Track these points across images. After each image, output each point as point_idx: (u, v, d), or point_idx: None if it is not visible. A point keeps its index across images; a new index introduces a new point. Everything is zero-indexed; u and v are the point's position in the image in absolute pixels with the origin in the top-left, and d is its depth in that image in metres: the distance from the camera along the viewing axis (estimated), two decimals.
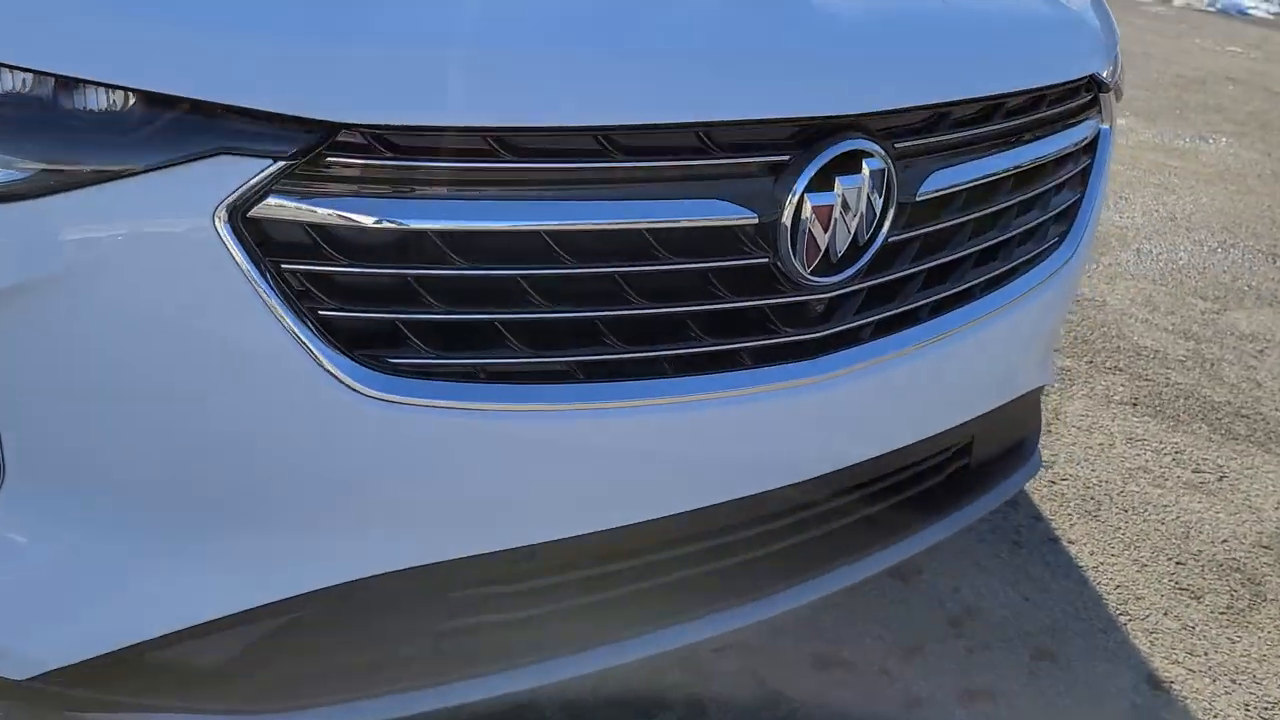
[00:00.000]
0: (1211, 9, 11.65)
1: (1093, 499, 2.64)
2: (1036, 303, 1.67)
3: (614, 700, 1.79)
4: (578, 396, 1.24)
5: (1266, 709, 2.06)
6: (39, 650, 1.15)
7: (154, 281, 1.05)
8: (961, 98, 1.40)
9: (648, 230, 1.22)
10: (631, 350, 1.25)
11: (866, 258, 1.37)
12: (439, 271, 1.14)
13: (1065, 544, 2.47)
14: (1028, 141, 1.55)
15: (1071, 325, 3.55)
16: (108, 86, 1.02)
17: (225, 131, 1.04)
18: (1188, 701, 2.04)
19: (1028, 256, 1.65)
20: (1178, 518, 2.60)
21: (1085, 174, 1.71)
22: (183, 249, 1.05)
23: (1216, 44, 9.55)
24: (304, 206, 1.08)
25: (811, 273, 1.33)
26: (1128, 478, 2.74)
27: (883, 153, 1.32)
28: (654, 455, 1.30)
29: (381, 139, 1.09)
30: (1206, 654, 2.16)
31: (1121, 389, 3.19)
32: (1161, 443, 2.92)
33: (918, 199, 1.39)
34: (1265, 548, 2.52)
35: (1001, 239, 1.56)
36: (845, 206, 1.31)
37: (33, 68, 1.01)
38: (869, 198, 1.33)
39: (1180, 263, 4.22)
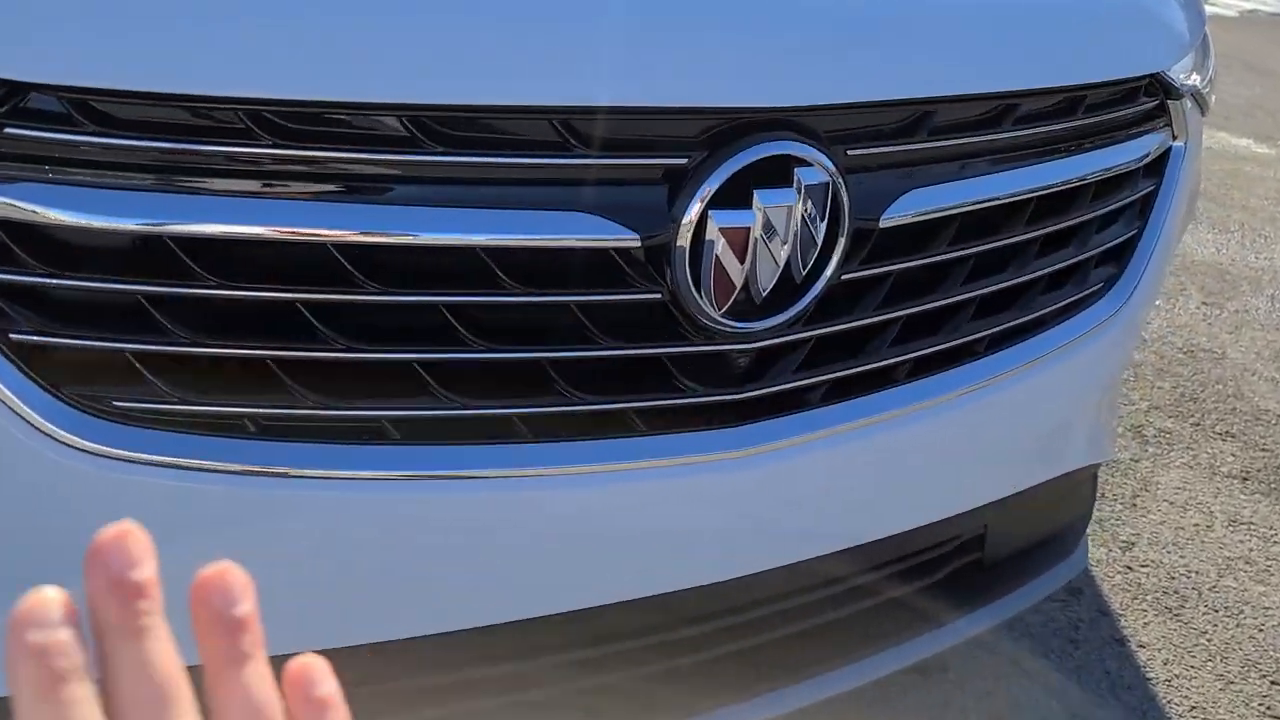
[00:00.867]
0: None
1: (1176, 593, 2.21)
2: (1073, 363, 1.31)
3: None
4: (390, 462, 0.95)
5: None
6: None
7: None
8: (949, 94, 1.06)
9: (484, 249, 0.92)
10: (466, 404, 0.96)
11: (808, 299, 1.04)
12: (186, 289, 0.86)
13: (1134, 647, 2.06)
14: (1054, 157, 1.19)
15: (1179, 378, 3.08)
16: None
17: None
18: None
19: (1059, 305, 1.28)
20: None
21: (1147, 203, 1.34)
22: None
23: None
24: None
25: (725, 314, 1.01)
26: (1224, 569, 2.29)
27: (826, 162, 0.99)
28: (500, 544, 1.00)
29: (89, 108, 0.82)
30: None
31: (1231, 459, 2.72)
32: (1272, 528, 2.46)
33: (883, 226, 1.05)
34: None
35: (1015, 282, 1.21)
36: (769, 230, 0.98)
37: None
38: (805, 220, 1.00)
39: None
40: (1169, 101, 1.30)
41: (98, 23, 0.81)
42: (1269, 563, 2.34)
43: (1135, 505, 2.48)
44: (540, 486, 1.00)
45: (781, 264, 1.01)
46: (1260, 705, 1.95)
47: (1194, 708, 1.92)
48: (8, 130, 0.81)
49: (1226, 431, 2.86)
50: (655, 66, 0.93)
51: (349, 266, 0.89)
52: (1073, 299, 1.29)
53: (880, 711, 1.77)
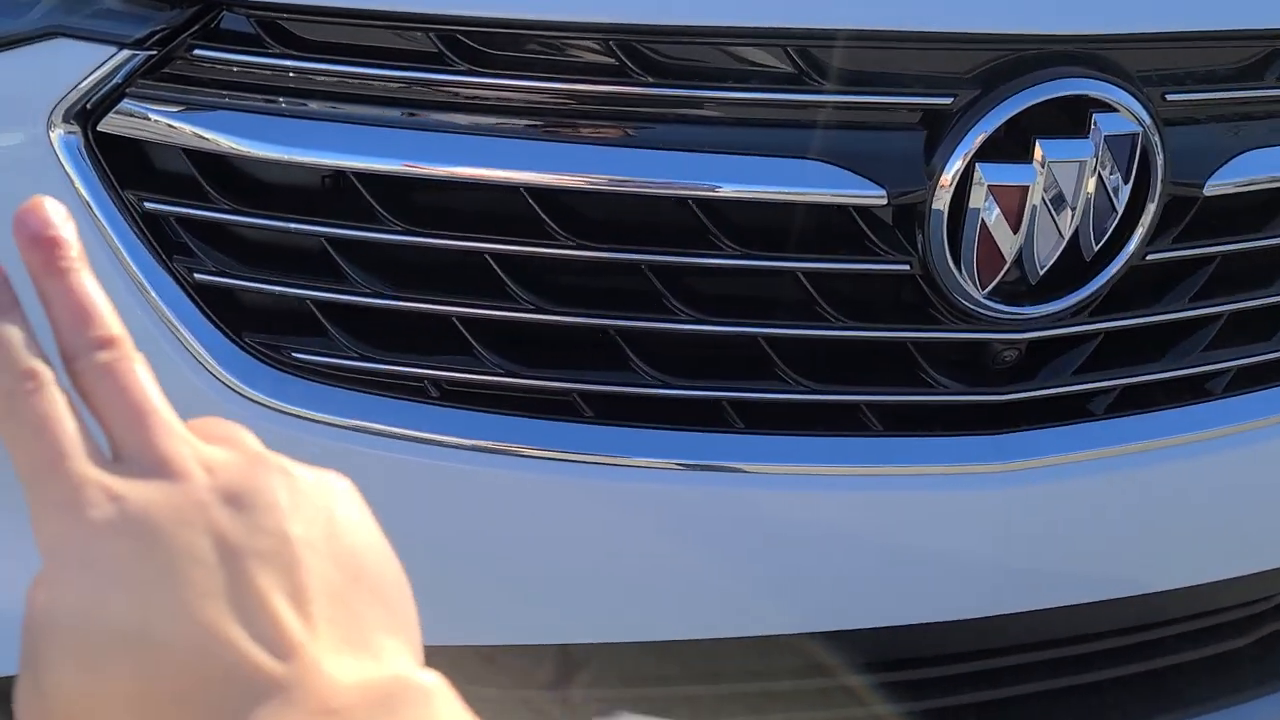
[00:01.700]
0: None
1: None
2: None
3: None
4: (586, 443, 0.83)
5: None
6: None
7: None
8: None
9: (696, 200, 0.78)
10: (668, 384, 0.82)
11: (1100, 282, 0.83)
12: (370, 235, 0.78)
13: None
14: None
15: None
16: None
17: (61, 3, 0.74)
18: None
19: None
20: None
21: None
22: (6, 169, 0.77)
23: None
24: (175, 123, 0.76)
25: (990, 295, 0.82)
26: None
27: (1137, 108, 0.78)
28: (699, 546, 0.86)
29: (281, 29, 0.74)
30: None
31: None
32: None
33: (1207, 194, 0.83)
34: None
35: None
36: (1054, 192, 0.79)
37: None
38: (1102, 181, 0.79)
39: None
40: None
41: None
42: None
43: None
44: (746, 484, 0.85)
45: (1068, 236, 0.81)
46: None
47: None
48: (198, 52, 0.75)
49: None
50: None
51: (543, 215, 0.77)
52: None
53: None
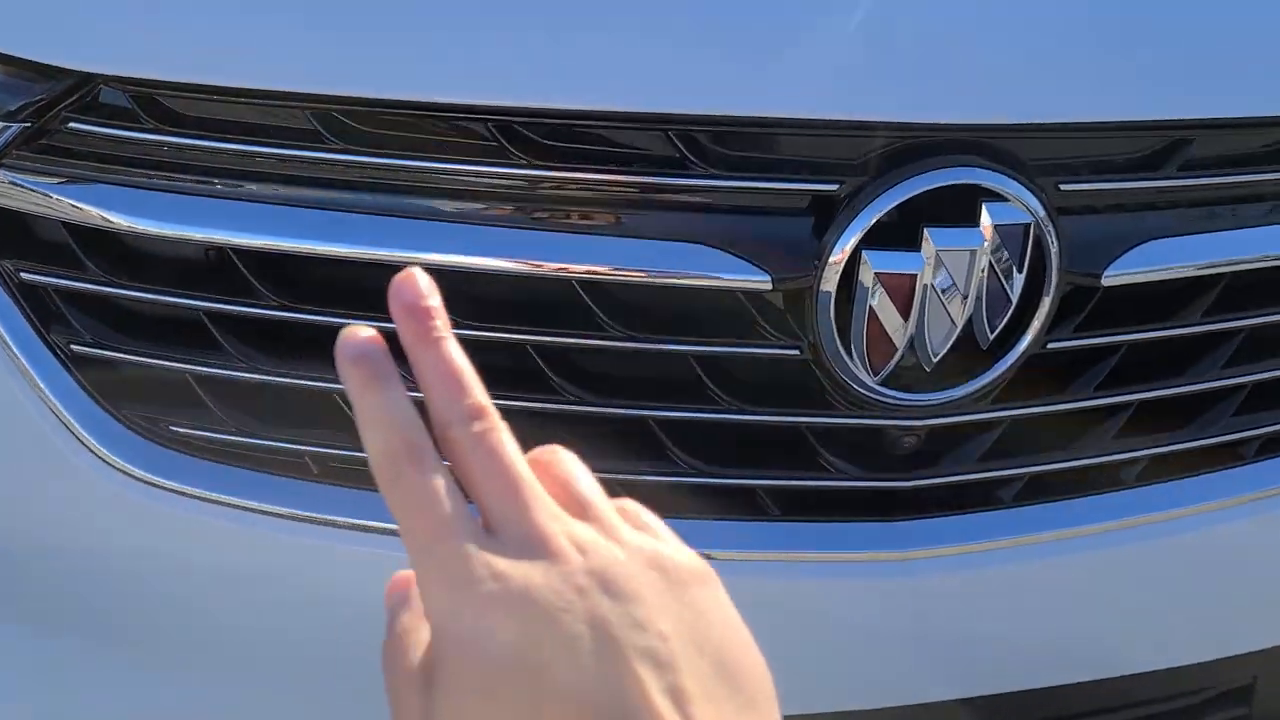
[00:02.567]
0: None
1: None
2: None
3: None
4: None
5: None
6: None
7: None
8: (1217, 117, 0.80)
9: (580, 282, 0.77)
10: None
11: (998, 371, 0.82)
12: (244, 309, 0.77)
13: None
14: None
15: None
16: None
17: None
18: None
19: None
20: None
21: None
22: None
23: None
24: (51, 195, 0.76)
25: (884, 382, 0.80)
26: None
27: (1028, 198, 0.77)
28: None
29: (157, 104, 0.74)
30: None
31: None
32: None
33: (1106, 284, 0.81)
34: None
35: None
36: (944, 280, 0.77)
37: None
38: (994, 270, 0.78)
39: None
40: None
41: (167, 14, 0.73)
42: None
43: None
44: None
45: (961, 324, 0.79)
46: None
47: None
48: (72, 125, 0.75)
49: None
50: (802, 68, 0.74)
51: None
52: None
53: None
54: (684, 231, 0.76)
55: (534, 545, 0.34)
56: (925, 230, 0.76)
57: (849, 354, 0.79)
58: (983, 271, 0.78)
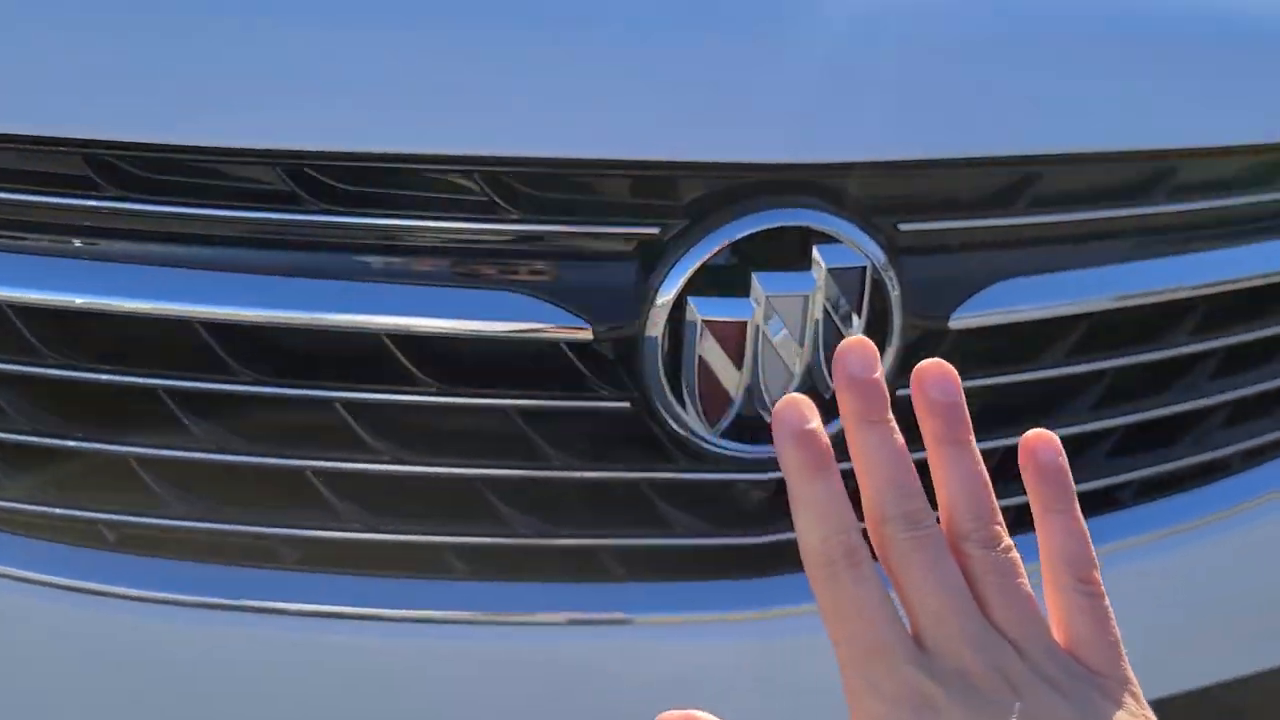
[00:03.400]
0: None
1: None
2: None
3: None
4: (284, 590, 0.76)
5: None
6: None
7: None
8: (1067, 151, 0.77)
9: (390, 335, 0.72)
10: (376, 528, 0.76)
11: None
12: (21, 368, 0.72)
13: None
14: (1242, 240, 0.86)
15: None
16: None
17: None
18: None
19: (1254, 444, 0.94)
20: None
21: None
22: None
23: None
24: None
25: (723, 435, 0.76)
26: None
27: (863, 239, 0.73)
28: (389, 706, 0.78)
29: None
30: None
31: None
32: None
33: (954, 327, 0.77)
34: None
35: (1178, 410, 0.88)
36: (776, 327, 0.73)
37: None
38: (830, 315, 0.74)
39: None
40: None
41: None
42: None
43: None
44: (470, 637, 0.78)
45: (798, 373, 0.75)
46: None
47: None
48: None
49: None
50: (619, 107, 0.70)
51: (217, 348, 0.71)
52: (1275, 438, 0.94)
53: None
54: (498, 280, 0.72)
55: (969, 679, 0.36)
56: (754, 275, 0.72)
57: (681, 405, 0.74)
58: (817, 317, 0.73)
